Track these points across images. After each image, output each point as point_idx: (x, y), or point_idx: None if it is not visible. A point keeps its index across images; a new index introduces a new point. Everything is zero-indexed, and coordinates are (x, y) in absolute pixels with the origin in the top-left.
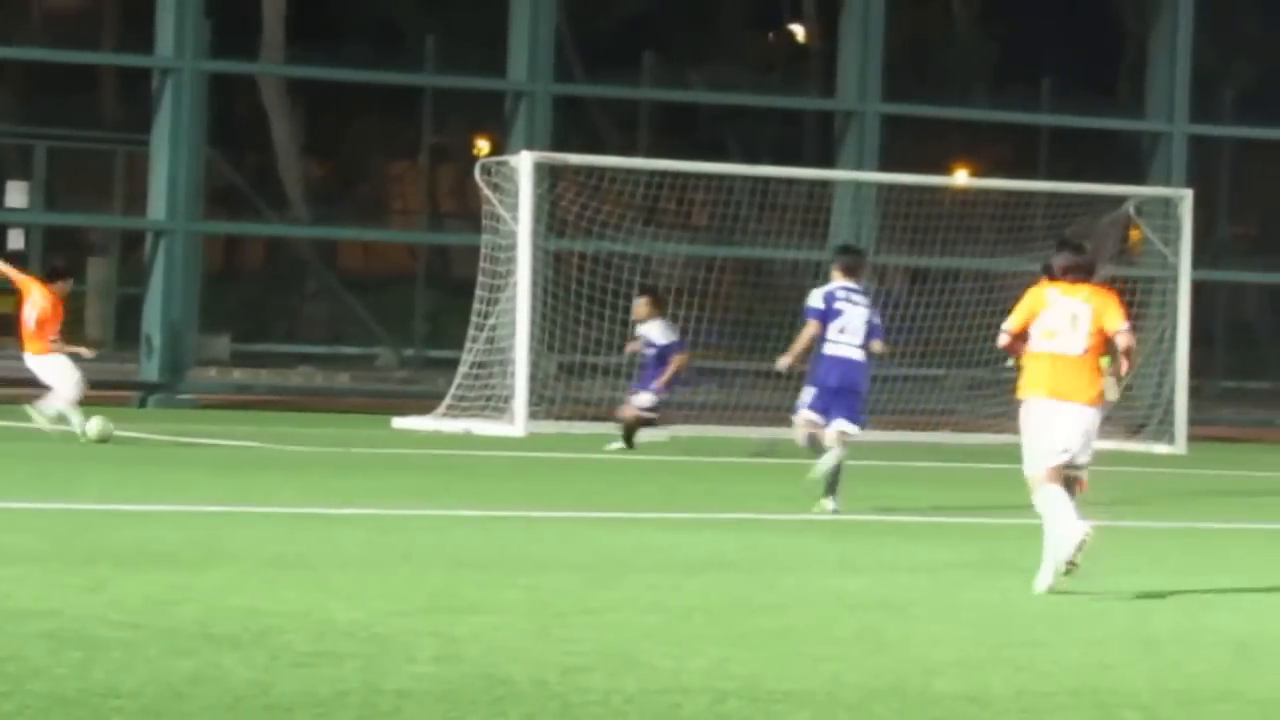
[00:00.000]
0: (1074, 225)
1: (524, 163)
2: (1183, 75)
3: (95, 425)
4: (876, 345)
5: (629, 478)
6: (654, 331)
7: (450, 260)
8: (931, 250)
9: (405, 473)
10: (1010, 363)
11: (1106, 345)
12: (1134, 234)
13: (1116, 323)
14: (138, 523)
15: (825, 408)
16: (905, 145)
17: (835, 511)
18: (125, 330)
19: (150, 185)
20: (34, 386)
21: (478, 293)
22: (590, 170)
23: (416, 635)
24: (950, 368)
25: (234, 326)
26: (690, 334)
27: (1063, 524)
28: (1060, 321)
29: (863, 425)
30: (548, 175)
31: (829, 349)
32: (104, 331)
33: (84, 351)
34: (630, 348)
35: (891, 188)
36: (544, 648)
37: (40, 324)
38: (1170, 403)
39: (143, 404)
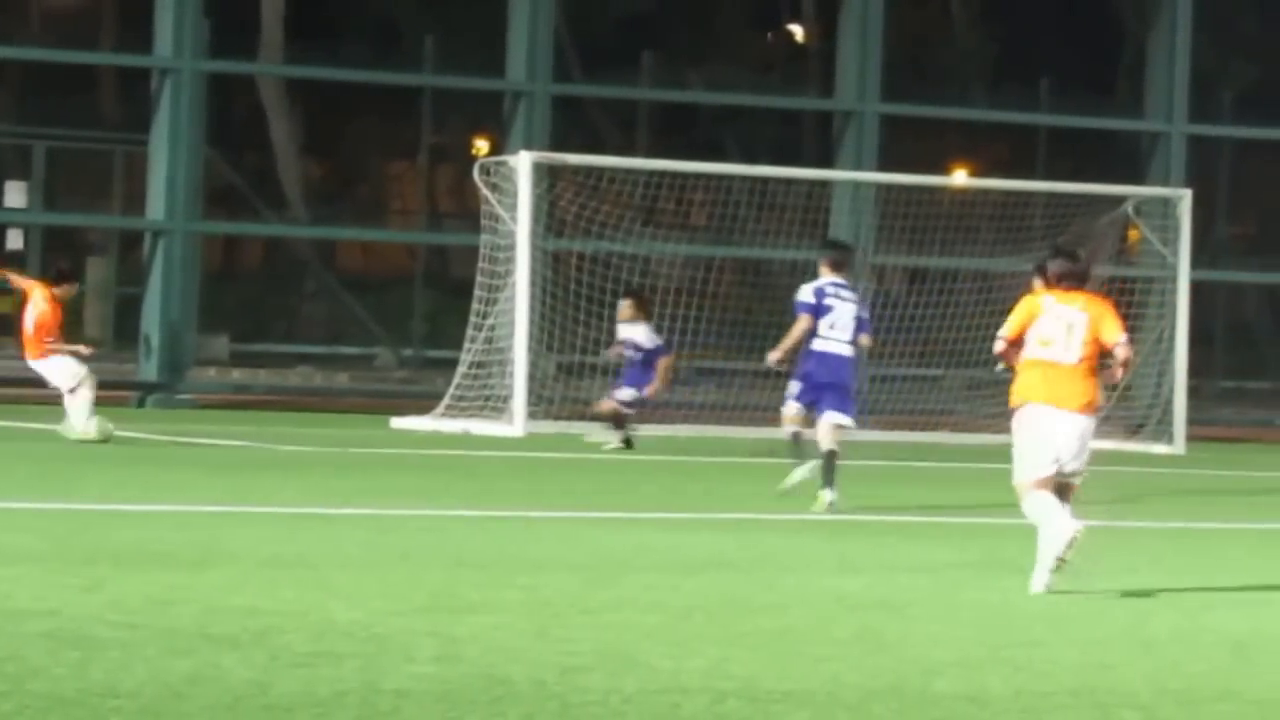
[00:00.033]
0: (1073, 225)
1: (523, 163)
2: (1182, 75)
3: (95, 425)
4: (865, 339)
5: (628, 478)
6: (639, 334)
7: (449, 260)
8: (930, 250)
9: (404, 473)
10: (1000, 367)
11: (1102, 354)
12: (1133, 234)
13: (1115, 334)
14: (137, 523)
15: (812, 401)
16: (904, 145)
17: (833, 504)
18: (124, 330)
19: (149, 185)
20: (34, 387)
21: (476, 293)
22: (589, 170)
23: (415, 635)
24: (949, 368)
25: (233, 326)
26: (689, 334)
27: (1054, 523)
28: (1056, 330)
29: (854, 416)
30: (546, 175)
31: (818, 344)
32: (103, 331)
33: (82, 350)
34: (612, 352)
35: (890, 188)
36: (543, 648)
37: (38, 328)
38: (1169, 403)
39: (141, 404)
